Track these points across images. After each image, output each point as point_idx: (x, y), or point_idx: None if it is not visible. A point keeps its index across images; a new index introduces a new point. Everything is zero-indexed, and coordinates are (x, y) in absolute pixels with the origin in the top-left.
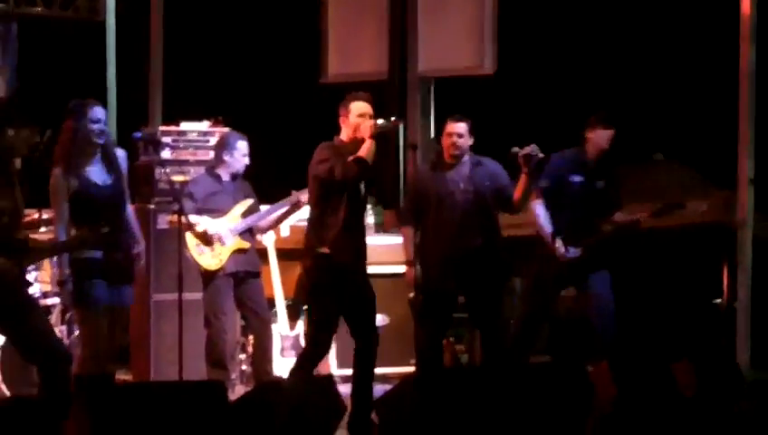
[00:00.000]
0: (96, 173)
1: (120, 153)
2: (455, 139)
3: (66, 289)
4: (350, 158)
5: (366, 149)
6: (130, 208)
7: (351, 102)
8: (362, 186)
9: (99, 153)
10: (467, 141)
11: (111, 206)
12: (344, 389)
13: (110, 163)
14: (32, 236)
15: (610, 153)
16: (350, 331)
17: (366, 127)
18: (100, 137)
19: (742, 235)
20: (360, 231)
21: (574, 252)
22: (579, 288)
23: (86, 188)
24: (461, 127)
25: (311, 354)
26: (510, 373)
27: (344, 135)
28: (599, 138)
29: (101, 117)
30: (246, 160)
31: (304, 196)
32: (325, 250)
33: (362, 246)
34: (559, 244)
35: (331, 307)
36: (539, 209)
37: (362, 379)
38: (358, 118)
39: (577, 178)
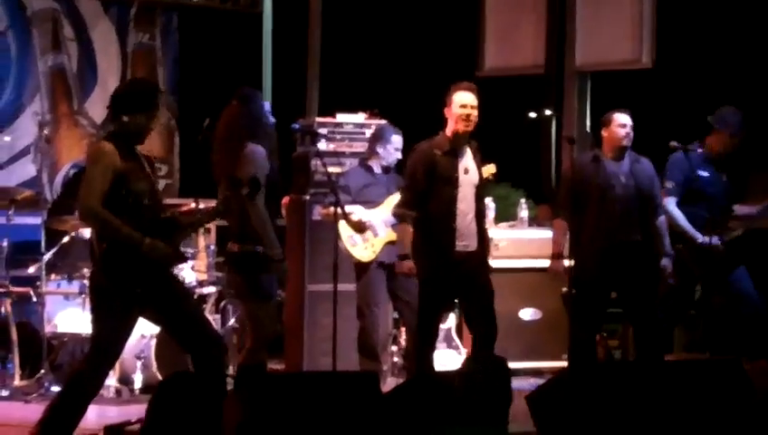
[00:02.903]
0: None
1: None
2: (629, 130)
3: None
4: (401, 211)
5: (402, 236)
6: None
7: (454, 93)
8: (462, 173)
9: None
10: None
11: (275, 192)
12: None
13: (272, 151)
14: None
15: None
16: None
17: (457, 119)
18: (270, 126)
19: None
20: (450, 221)
21: (717, 241)
22: (722, 289)
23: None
24: (631, 119)
25: (417, 341)
26: (665, 369)
27: (448, 129)
28: (722, 144)
29: (268, 108)
30: (399, 155)
31: None
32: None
33: (451, 232)
34: (701, 236)
35: (432, 293)
36: (672, 206)
37: None
38: (460, 109)
39: (705, 173)
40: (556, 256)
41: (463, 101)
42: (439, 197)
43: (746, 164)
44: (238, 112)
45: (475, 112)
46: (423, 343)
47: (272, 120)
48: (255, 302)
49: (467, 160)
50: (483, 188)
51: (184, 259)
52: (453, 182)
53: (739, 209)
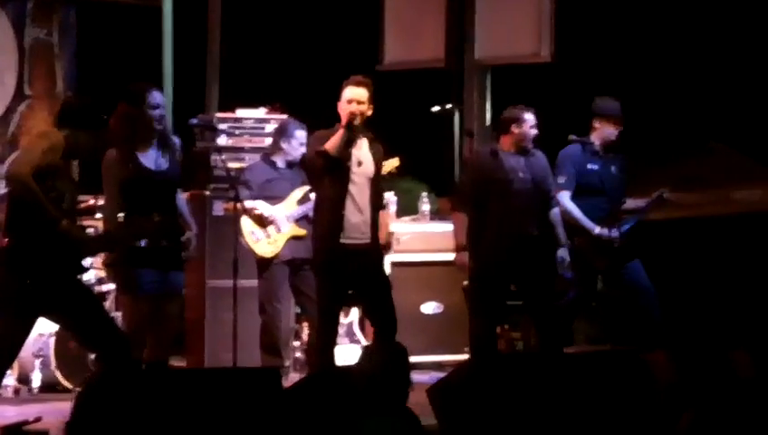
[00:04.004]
0: (151, 159)
1: (176, 141)
2: (536, 130)
3: (116, 273)
4: (317, 148)
5: (332, 142)
6: (182, 196)
7: (345, 87)
8: (355, 165)
9: (156, 139)
10: None
11: (165, 192)
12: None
13: (166, 149)
14: (86, 222)
15: (618, 140)
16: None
17: (344, 114)
18: (159, 123)
19: None
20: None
21: (615, 232)
22: (615, 280)
23: (140, 174)
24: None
25: (317, 335)
26: (566, 361)
27: (342, 123)
28: (608, 132)
29: (160, 102)
30: (303, 149)
31: None
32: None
33: (339, 224)
34: (597, 228)
35: (325, 284)
36: (566, 200)
37: None
38: (346, 104)
39: (594, 167)
40: (461, 249)
41: (349, 96)
42: (331, 189)
43: (634, 156)
44: (119, 113)
45: (362, 107)
46: (323, 336)
47: (159, 112)
48: (124, 296)
49: (362, 153)
50: (380, 182)
51: (82, 266)
52: (344, 175)
53: (629, 202)
